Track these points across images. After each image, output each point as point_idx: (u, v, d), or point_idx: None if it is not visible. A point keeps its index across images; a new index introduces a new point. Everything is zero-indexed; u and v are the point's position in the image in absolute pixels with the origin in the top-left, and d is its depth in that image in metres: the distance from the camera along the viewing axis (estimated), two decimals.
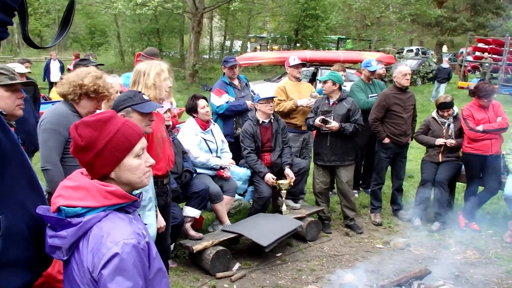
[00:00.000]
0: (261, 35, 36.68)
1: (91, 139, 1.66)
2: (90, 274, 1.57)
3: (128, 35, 30.60)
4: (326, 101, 5.53)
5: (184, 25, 31.24)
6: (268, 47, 31.75)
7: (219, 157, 5.29)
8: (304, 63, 6.51)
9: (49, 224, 1.67)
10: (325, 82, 5.53)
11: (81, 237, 1.61)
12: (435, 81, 19.13)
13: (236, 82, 6.19)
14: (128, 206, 1.71)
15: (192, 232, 4.72)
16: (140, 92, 3.34)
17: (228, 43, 36.02)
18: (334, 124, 5.32)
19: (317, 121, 5.34)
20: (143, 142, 1.77)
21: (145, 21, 29.85)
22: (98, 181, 1.66)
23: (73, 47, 38.14)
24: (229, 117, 5.97)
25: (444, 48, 34.60)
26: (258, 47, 33.19)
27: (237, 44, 36.07)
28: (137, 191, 1.82)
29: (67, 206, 1.59)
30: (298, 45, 29.48)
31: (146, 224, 1.93)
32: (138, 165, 1.74)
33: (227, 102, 5.93)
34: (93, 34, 39.59)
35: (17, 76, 3.26)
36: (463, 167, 5.91)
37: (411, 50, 34.57)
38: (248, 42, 35.18)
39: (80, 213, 1.60)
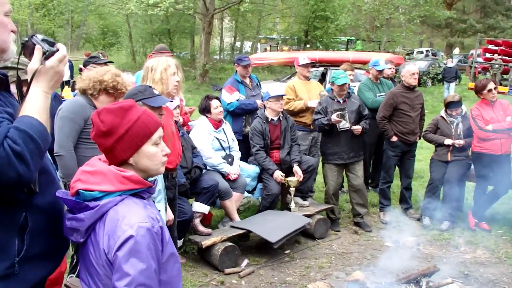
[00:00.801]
0: (271, 36, 36.74)
1: (113, 125, 1.72)
2: (105, 256, 1.63)
3: (139, 36, 30.87)
4: (335, 100, 5.53)
5: (195, 26, 31.42)
6: (278, 48, 31.81)
7: (231, 155, 5.32)
8: (313, 63, 6.54)
9: (67, 207, 1.76)
10: (343, 85, 5.51)
11: (98, 220, 1.67)
12: (444, 82, 19.15)
13: (247, 81, 6.28)
14: (143, 191, 1.77)
15: (201, 228, 4.75)
16: (150, 86, 3.39)
17: (238, 44, 36.15)
18: (357, 127, 5.42)
19: (334, 117, 5.31)
20: (160, 131, 1.83)
21: (157, 22, 30.08)
22: (115, 167, 1.72)
23: (85, 47, 38.47)
24: (239, 114, 6.02)
25: (456, 50, 34.46)
26: (268, 48, 33.26)
27: (247, 45, 36.18)
28: (151, 178, 1.87)
29: (85, 190, 1.67)
30: (308, 46, 29.50)
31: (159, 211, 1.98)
32: (155, 152, 1.80)
33: (237, 100, 5.98)
34: (105, 34, 39.89)
35: None
36: (472, 166, 5.89)
37: (421, 52, 34.48)
38: (258, 43, 35.26)
39: (98, 197, 1.67)
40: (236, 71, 6.33)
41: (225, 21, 35.66)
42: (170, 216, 3.72)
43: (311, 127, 6.06)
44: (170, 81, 3.72)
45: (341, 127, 5.44)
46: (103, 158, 1.81)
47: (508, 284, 4.40)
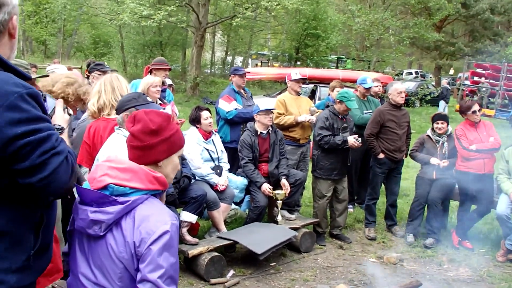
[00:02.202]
0: (263, 52, 37.03)
1: (161, 127, 1.88)
2: (134, 249, 1.72)
3: (131, 47, 30.93)
4: (340, 117, 5.63)
5: (187, 39, 31.58)
6: (269, 64, 32.03)
7: (220, 166, 5.38)
8: (305, 79, 6.65)
9: (80, 200, 1.82)
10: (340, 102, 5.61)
11: (125, 215, 1.76)
12: (440, 102, 19.79)
13: (242, 91, 6.46)
14: (158, 194, 1.89)
15: (188, 237, 4.77)
16: (144, 94, 3.46)
17: (229, 58, 36.38)
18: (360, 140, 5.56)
19: (353, 140, 5.46)
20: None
21: (149, 33, 30.17)
22: (146, 167, 1.85)
23: (76, 56, 38.41)
24: (237, 123, 6.12)
25: (451, 71, 35.11)
26: (259, 64, 33.46)
27: (239, 59, 36.42)
28: None
29: (116, 185, 1.76)
30: (298, 63, 29.76)
31: None
32: (177, 163, 1.98)
33: (235, 109, 6.10)
34: (96, 44, 39.86)
35: (31, 71, 3.37)
36: (456, 185, 6.00)
37: (410, 73, 34.95)
38: (250, 59, 35.50)
39: (127, 192, 1.77)
40: (232, 82, 6.46)
41: (217, 35, 35.92)
42: None
43: (300, 142, 6.14)
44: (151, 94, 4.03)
45: (347, 146, 5.54)
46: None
47: None
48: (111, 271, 1.76)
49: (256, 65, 32.38)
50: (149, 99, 3.41)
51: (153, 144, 1.87)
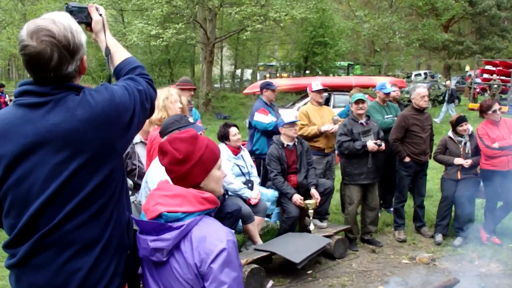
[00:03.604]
0: (270, 63, 37.31)
1: (188, 152, 1.91)
2: (196, 269, 1.80)
3: None
4: (359, 122, 5.80)
5: (195, 55, 31.94)
6: (278, 75, 32.28)
7: (251, 180, 5.57)
8: (326, 89, 6.82)
9: (140, 230, 1.94)
10: (362, 102, 5.79)
11: (182, 239, 1.85)
12: (448, 103, 19.43)
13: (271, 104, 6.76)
14: (211, 211, 1.96)
15: None
16: (185, 116, 3.67)
17: (238, 71, 36.69)
18: (383, 145, 5.69)
19: (372, 144, 5.61)
20: (222, 156, 2.06)
21: (156, 52, 30.56)
22: (193, 189, 1.91)
23: (84, 80, 38.80)
24: (274, 134, 6.29)
25: (467, 68, 34.88)
26: (268, 75, 33.72)
27: (248, 72, 36.68)
28: None
29: (168, 212, 1.85)
30: (307, 72, 29.96)
31: None
32: (220, 175, 2.02)
33: (268, 124, 6.39)
34: (103, 66, 40.38)
35: None
36: (481, 183, 6.12)
37: (419, 74, 34.97)
38: (258, 71, 35.80)
39: (180, 217, 1.84)
40: (261, 96, 6.76)
41: (224, 49, 36.27)
42: None
43: (325, 151, 6.32)
44: (173, 108, 4.08)
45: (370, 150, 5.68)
46: (169, 181, 2.00)
47: None
48: None
49: (265, 77, 32.65)
50: (191, 120, 3.61)
51: (185, 172, 1.91)
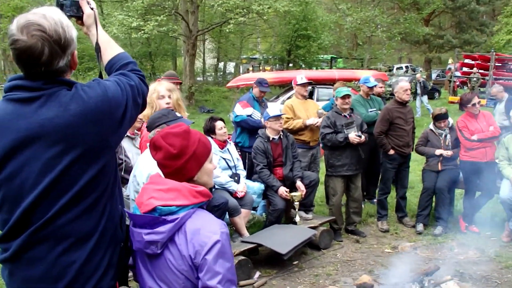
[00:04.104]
0: (253, 56, 37.26)
1: (182, 147, 1.95)
2: (191, 261, 1.87)
3: None
4: (343, 115, 5.92)
5: (177, 48, 31.67)
6: (261, 68, 32.27)
7: (237, 173, 5.66)
8: (310, 82, 6.94)
9: (133, 223, 1.98)
10: (349, 97, 5.93)
11: (176, 232, 1.90)
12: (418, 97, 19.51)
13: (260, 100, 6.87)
14: (204, 203, 2.02)
15: None
16: (173, 110, 3.72)
17: (221, 64, 36.56)
18: (363, 137, 5.82)
19: (354, 136, 5.74)
20: (213, 150, 2.13)
21: (137, 44, 30.18)
22: (187, 183, 1.96)
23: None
24: (255, 131, 6.38)
25: (450, 60, 35.23)
26: (251, 68, 33.70)
27: (231, 65, 36.58)
28: None
29: (163, 206, 1.89)
30: (290, 65, 30.03)
31: None
32: (212, 168, 2.08)
33: (248, 116, 6.50)
34: (82, 58, 39.85)
35: None
36: (461, 174, 6.32)
37: (401, 68, 35.37)
38: (240, 64, 35.74)
39: (174, 211, 1.89)
40: (252, 89, 6.89)
41: (207, 42, 36.09)
42: None
43: (310, 144, 6.44)
44: (159, 104, 4.09)
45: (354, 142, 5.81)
46: (159, 175, 2.05)
47: (499, 279, 4.81)
48: (175, 282, 1.91)
49: (248, 70, 32.64)
50: (178, 114, 3.67)
51: (180, 167, 1.94)
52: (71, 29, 1.79)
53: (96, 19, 2.10)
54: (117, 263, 1.97)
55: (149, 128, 3.56)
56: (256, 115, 6.65)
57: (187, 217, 1.90)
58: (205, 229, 1.88)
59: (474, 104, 6.09)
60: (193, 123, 4.02)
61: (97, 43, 2.08)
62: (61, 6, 2.02)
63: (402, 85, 6.26)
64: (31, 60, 1.70)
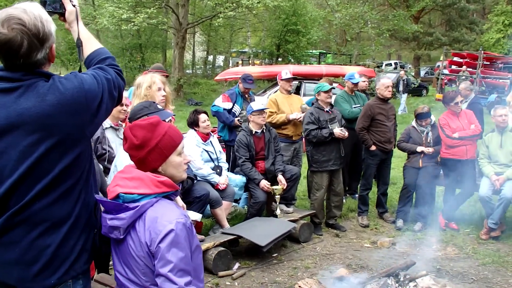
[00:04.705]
0: (243, 50, 37.24)
1: (145, 139, 2.03)
2: (147, 248, 1.93)
3: (110, 51, 30.68)
4: (325, 110, 5.95)
5: (167, 40, 31.61)
6: (250, 61, 32.28)
7: (219, 166, 5.68)
8: (295, 77, 6.98)
9: (104, 209, 2.07)
10: (330, 90, 5.97)
11: (137, 219, 1.98)
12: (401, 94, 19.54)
13: (246, 95, 6.91)
14: (171, 194, 2.09)
15: None
16: (154, 102, 3.74)
17: (210, 58, 36.51)
18: (346, 132, 5.86)
19: (339, 131, 5.78)
20: (183, 143, 2.16)
21: (127, 36, 30.13)
22: (151, 173, 2.04)
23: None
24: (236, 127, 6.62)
25: (442, 57, 35.41)
26: (240, 62, 33.71)
27: (220, 58, 36.55)
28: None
29: (125, 194, 1.98)
30: (280, 59, 30.07)
31: None
32: (180, 161, 2.12)
33: (226, 109, 6.59)
34: (73, 49, 39.54)
35: None
36: (441, 171, 6.39)
37: (390, 64, 35.52)
38: (230, 58, 35.71)
39: (136, 199, 1.97)
40: (238, 85, 6.90)
41: (197, 35, 36.01)
42: None
43: (293, 138, 6.47)
44: (156, 96, 4.12)
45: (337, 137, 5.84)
46: (134, 166, 2.12)
47: (475, 275, 4.88)
48: (135, 268, 1.99)
49: (237, 64, 32.61)
50: (159, 106, 3.68)
51: (143, 157, 2.03)
52: (50, 23, 1.87)
53: (78, 16, 2.17)
54: (91, 248, 2.04)
55: (131, 120, 3.61)
56: (237, 110, 6.73)
57: (149, 206, 1.97)
58: (162, 218, 1.93)
59: (456, 103, 6.15)
60: (174, 115, 4.05)
61: (78, 39, 2.16)
62: (44, 3, 2.08)
63: (383, 82, 6.31)
64: (10, 52, 1.78)
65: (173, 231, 1.90)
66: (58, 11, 2.14)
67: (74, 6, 2.17)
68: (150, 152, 2.03)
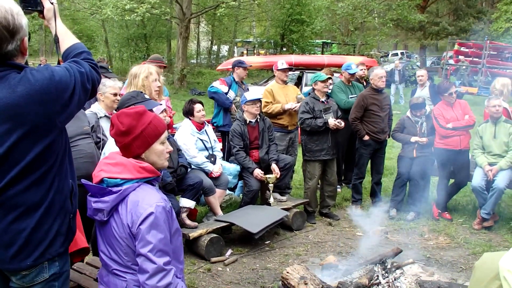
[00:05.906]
0: (248, 40, 37.15)
1: (130, 126, 2.16)
2: (129, 229, 2.07)
3: (115, 41, 30.93)
4: (320, 100, 5.99)
5: (171, 30, 31.60)
6: (255, 51, 32.22)
7: (213, 154, 5.75)
8: (291, 68, 7.02)
9: (90, 193, 2.18)
10: (327, 80, 6.02)
11: (120, 202, 2.10)
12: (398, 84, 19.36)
13: (240, 83, 7.09)
14: (153, 180, 2.22)
15: (188, 221, 5.15)
16: (142, 92, 3.82)
17: (215, 47, 36.47)
18: (342, 123, 5.91)
19: (334, 122, 5.83)
20: (166, 133, 2.29)
21: (132, 26, 30.18)
22: (133, 159, 2.16)
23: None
24: (229, 110, 6.85)
25: (456, 47, 35.02)
26: (245, 52, 33.65)
27: (224, 48, 36.51)
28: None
29: (109, 178, 2.10)
30: (284, 49, 29.98)
31: None
32: (162, 150, 2.25)
33: (223, 92, 6.84)
34: (80, 39, 39.57)
35: None
36: (435, 161, 6.42)
37: (396, 54, 35.36)
38: (235, 47, 35.64)
39: (119, 183, 2.10)
40: (233, 73, 7.09)
41: (201, 25, 35.95)
42: None
43: (288, 128, 6.52)
44: (152, 87, 4.29)
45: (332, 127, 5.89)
46: (119, 153, 2.25)
47: (464, 264, 4.93)
48: (118, 248, 2.13)
49: (242, 54, 32.55)
50: (146, 96, 3.76)
51: (127, 143, 2.16)
52: (21, 17, 1.94)
53: (56, 13, 2.27)
54: (66, 232, 2.13)
55: (119, 109, 3.70)
56: (231, 95, 6.90)
57: (131, 190, 2.10)
58: (143, 201, 2.06)
59: (451, 94, 6.16)
60: (161, 105, 4.11)
61: (55, 35, 2.26)
62: (23, 1, 2.18)
63: (377, 72, 6.33)
64: None
65: (153, 214, 2.03)
66: (36, 9, 2.24)
67: (52, 3, 2.26)
68: (135, 139, 2.16)
